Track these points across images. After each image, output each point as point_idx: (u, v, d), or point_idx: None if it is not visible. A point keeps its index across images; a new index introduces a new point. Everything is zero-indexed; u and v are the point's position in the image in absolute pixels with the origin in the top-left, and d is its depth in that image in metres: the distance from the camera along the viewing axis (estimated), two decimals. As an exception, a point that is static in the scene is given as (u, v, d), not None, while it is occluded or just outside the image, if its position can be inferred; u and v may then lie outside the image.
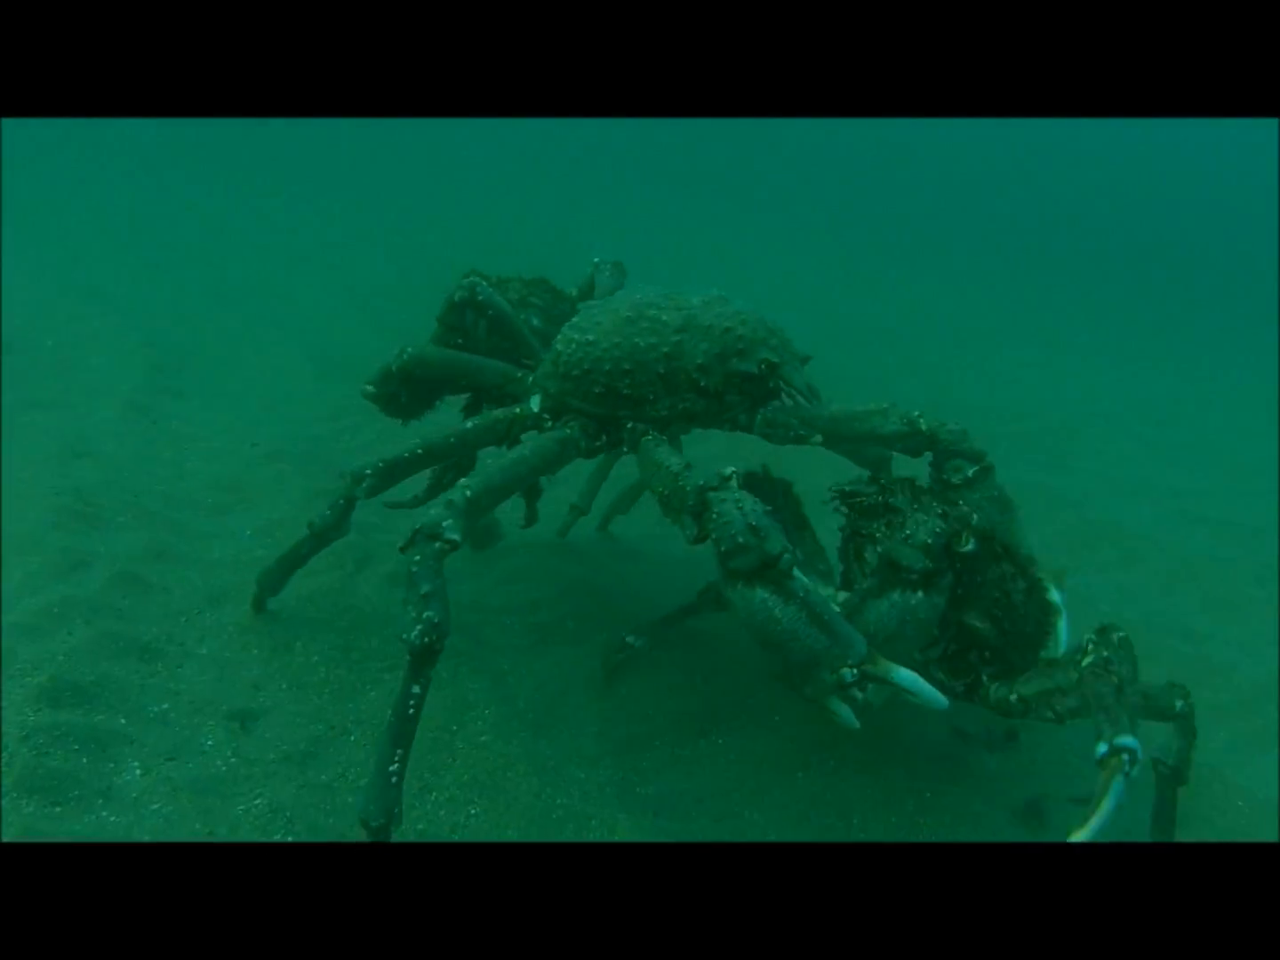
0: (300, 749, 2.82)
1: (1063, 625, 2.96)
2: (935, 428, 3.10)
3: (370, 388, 3.32)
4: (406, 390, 3.31)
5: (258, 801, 2.61)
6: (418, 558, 2.47)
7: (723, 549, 2.38)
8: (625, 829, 2.68)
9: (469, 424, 3.05)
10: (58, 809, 2.44)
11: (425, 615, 2.38)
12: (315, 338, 6.86)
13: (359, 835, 2.35)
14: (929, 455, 3.13)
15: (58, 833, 2.35)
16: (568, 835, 2.65)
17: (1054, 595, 2.97)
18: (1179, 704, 2.77)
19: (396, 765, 2.38)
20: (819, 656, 2.37)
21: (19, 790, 2.44)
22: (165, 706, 2.89)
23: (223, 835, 2.48)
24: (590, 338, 2.96)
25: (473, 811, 2.68)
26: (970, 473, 3.10)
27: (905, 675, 2.38)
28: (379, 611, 3.44)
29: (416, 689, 2.39)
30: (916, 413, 3.12)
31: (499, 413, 3.07)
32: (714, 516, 2.43)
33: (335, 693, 3.08)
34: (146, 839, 2.41)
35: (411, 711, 2.39)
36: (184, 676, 3.04)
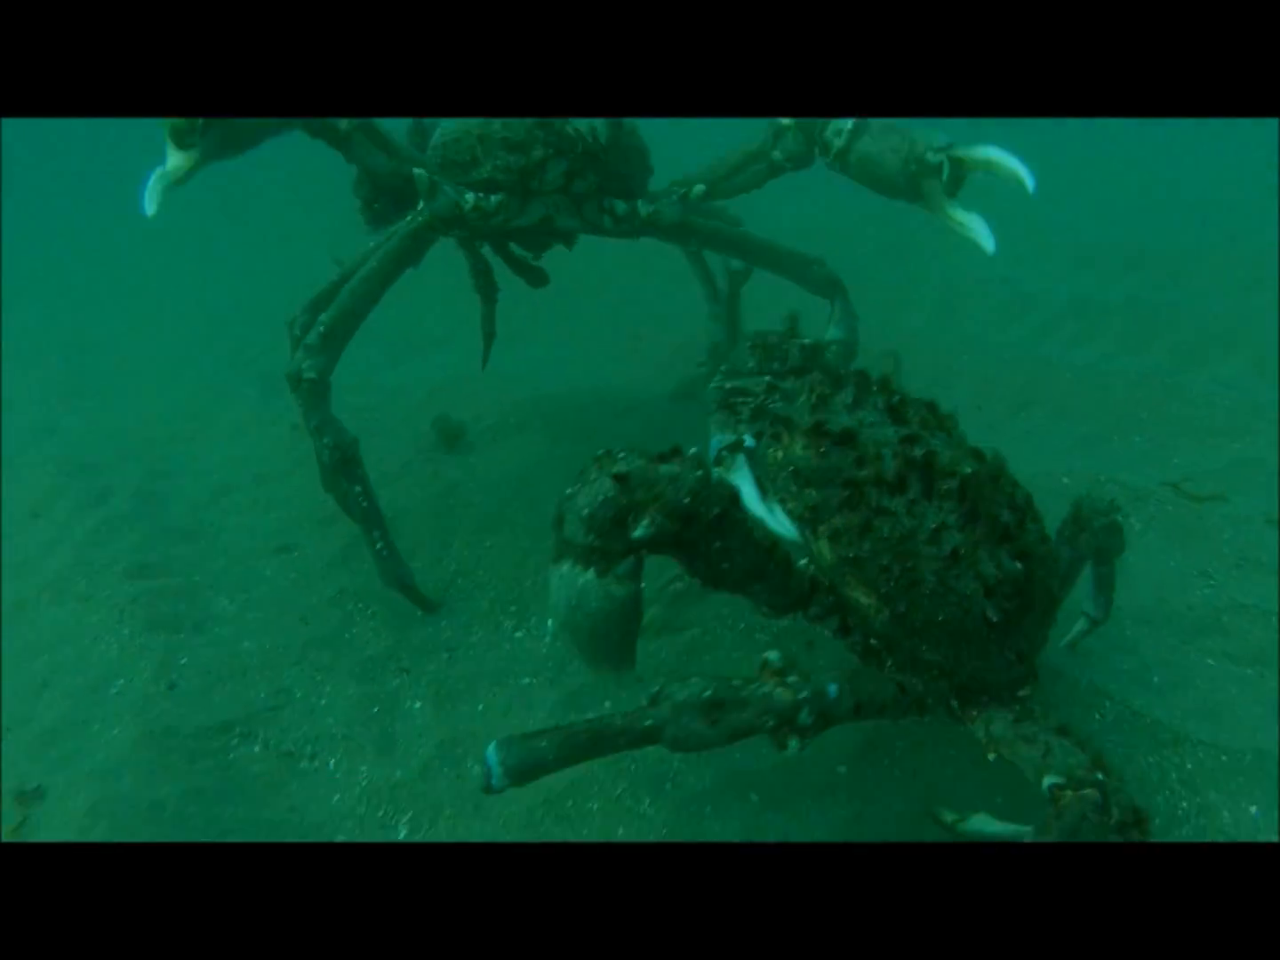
0: (338, 554, 3.53)
1: None
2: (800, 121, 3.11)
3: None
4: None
5: (328, 591, 3.33)
6: (299, 403, 2.92)
7: None
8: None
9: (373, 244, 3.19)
10: (180, 635, 3.14)
11: (325, 441, 2.91)
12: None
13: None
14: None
15: (192, 645, 3.06)
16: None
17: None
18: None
19: (380, 543, 3.02)
20: None
21: (148, 630, 3.14)
22: (222, 563, 3.59)
23: (315, 622, 3.18)
24: (443, 126, 3.27)
25: (488, 544, 3.44)
26: (850, 125, 3.00)
27: None
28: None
29: (357, 488, 2.99)
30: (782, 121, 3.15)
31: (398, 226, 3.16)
32: None
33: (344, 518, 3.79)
34: (252, 640, 3.11)
35: (364, 504, 2.99)
36: (225, 542, 3.73)
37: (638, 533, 1.73)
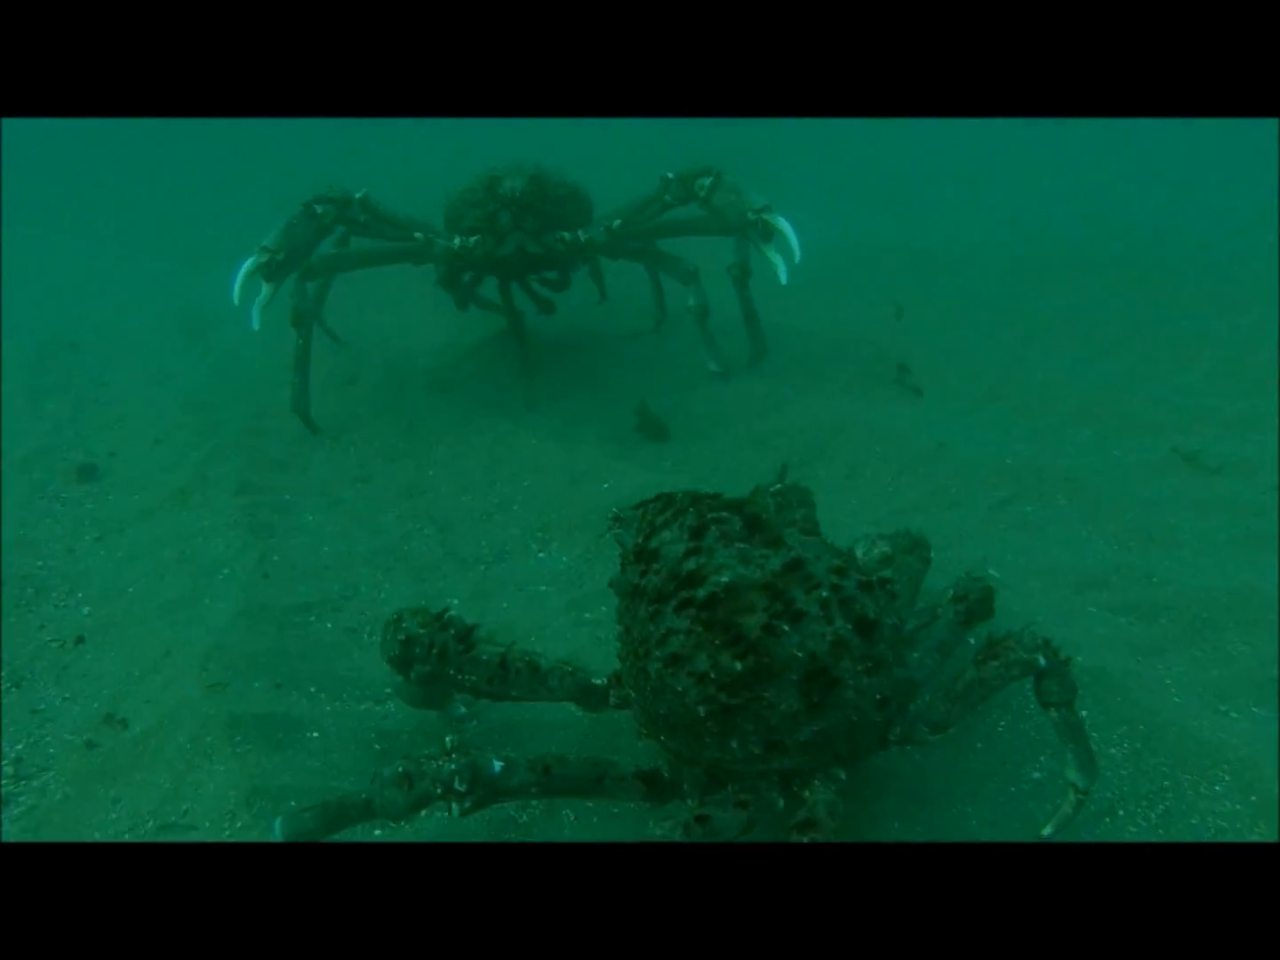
0: (404, 486, 4.31)
1: None
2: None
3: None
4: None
5: (393, 513, 4.10)
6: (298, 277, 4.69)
7: None
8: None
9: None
10: (274, 539, 3.88)
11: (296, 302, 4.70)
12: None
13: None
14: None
15: (283, 547, 3.82)
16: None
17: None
18: None
19: (299, 382, 4.71)
20: None
21: (250, 533, 3.90)
22: (310, 487, 4.37)
23: (382, 536, 3.94)
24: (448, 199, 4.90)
25: (525, 483, 4.17)
26: (708, 182, 4.56)
27: None
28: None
29: (301, 341, 4.69)
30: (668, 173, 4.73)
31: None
32: None
33: (409, 457, 4.56)
34: (331, 546, 3.86)
35: (303, 352, 4.71)
36: (314, 473, 4.51)
37: (413, 675, 2.53)
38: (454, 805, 2.02)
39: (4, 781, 2.77)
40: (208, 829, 2.43)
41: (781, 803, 2.11)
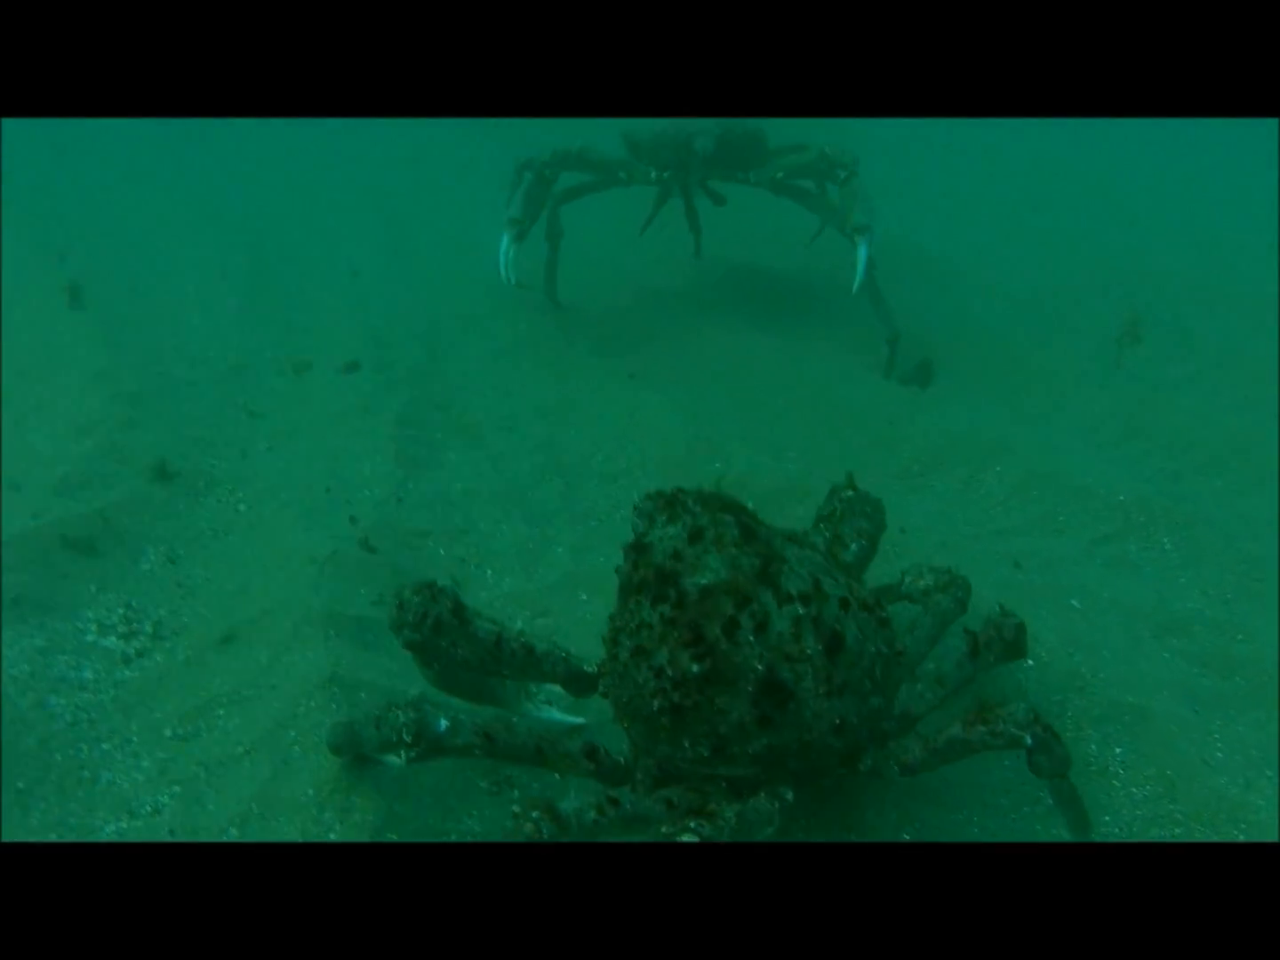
0: (545, 439, 4.63)
1: None
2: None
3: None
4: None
5: (530, 464, 4.41)
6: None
7: None
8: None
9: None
10: (415, 470, 4.27)
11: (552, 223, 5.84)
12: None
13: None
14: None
15: (420, 478, 4.19)
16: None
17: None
18: None
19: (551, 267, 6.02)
20: None
21: (394, 462, 4.30)
22: (460, 429, 4.74)
23: (513, 480, 4.26)
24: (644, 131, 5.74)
25: (653, 453, 4.42)
26: (843, 174, 5.32)
27: None
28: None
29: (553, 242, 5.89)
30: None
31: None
32: None
33: (555, 418, 4.87)
34: (463, 484, 4.19)
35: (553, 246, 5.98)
36: (469, 417, 4.89)
37: (400, 641, 2.50)
38: (402, 753, 2.15)
39: (144, 639, 3.21)
40: (286, 701, 2.77)
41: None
